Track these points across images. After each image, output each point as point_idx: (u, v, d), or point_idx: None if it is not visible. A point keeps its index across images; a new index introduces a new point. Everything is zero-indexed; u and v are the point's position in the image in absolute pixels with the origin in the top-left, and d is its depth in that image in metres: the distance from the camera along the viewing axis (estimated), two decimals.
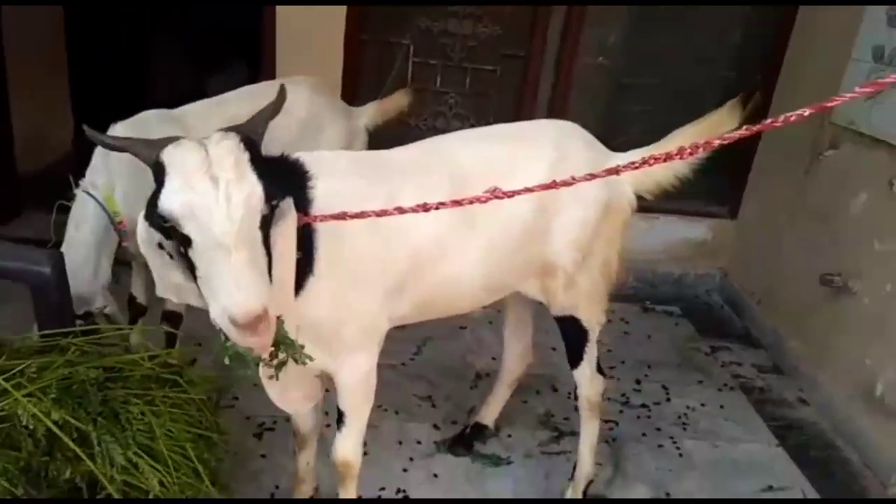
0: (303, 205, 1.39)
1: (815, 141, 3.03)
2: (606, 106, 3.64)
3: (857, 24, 2.75)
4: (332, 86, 3.27)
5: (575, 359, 2.00)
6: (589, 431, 2.10)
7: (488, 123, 3.59)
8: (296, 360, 1.28)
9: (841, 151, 2.89)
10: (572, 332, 1.95)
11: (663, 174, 1.87)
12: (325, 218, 1.35)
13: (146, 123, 2.16)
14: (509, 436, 2.48)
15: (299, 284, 1.39)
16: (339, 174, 1.50)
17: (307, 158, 1.49)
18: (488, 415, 2.38)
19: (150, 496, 1.51)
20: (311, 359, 1.31)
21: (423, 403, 2.65)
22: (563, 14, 3.38)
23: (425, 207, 1.30)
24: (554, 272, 1.81)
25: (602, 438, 2.47)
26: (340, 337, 1.54)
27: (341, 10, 3.23)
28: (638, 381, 2.91)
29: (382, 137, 2.64)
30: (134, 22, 5.10)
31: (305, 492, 1.99)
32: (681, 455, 2.48)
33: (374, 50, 3.42)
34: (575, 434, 2.42)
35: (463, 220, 1.63)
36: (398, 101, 2.66)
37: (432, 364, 2.90)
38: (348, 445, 1.71)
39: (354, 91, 3.27)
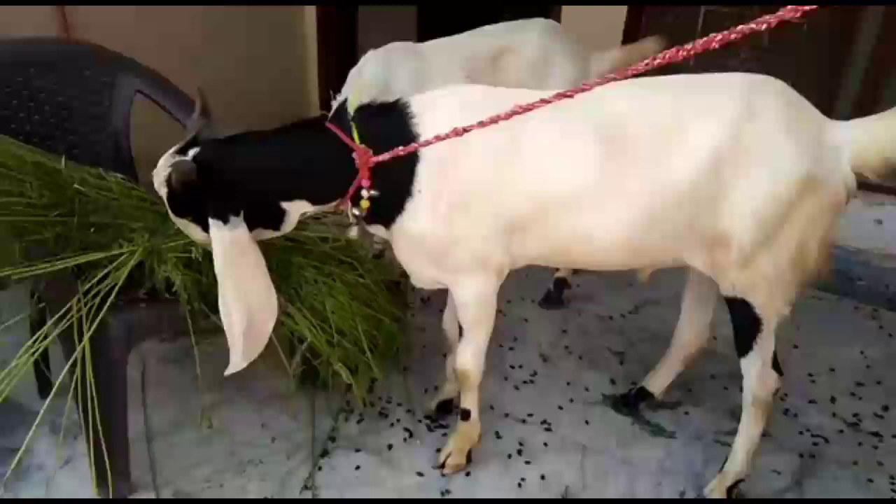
0: (408, 140, 1.53)
1: None
2: None
3: None
4: (615, 28, 3.25)
5: (743, 347, 1.77)
6: (748, 427, 1.87)
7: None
8: None
9: None
10: (742, 318, 1.72)
11: (893, 145, 1.51)
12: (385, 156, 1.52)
13: (391, 54, 2.50)
14: (686, 413, 2.31)
15: (400, 206, 1.59)
16: (457, 110, 1.53)
17: (423, 98, 1.62)
18: (654, 383, 2.25)
19: (304, 343, 1.89)
20: None
21: (612, 358, 2.61)
22: None
23: (456, 132, 1.38)
24: (726, 245, 1.59)
25: (797, 450, 2.16)
26: (449, 258, 1.66)
27: None
28: (886, 408, 2.38)
29: None
30: None
31: (450, 391, 2.20)
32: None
33: None
34: (766, 436, 2.17)
35: (613, 171, 1.56)
36: (645, 48, 2.53)
37: (642, 325, 2.81)
38: (466, 356, 1.85)
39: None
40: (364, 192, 1.59)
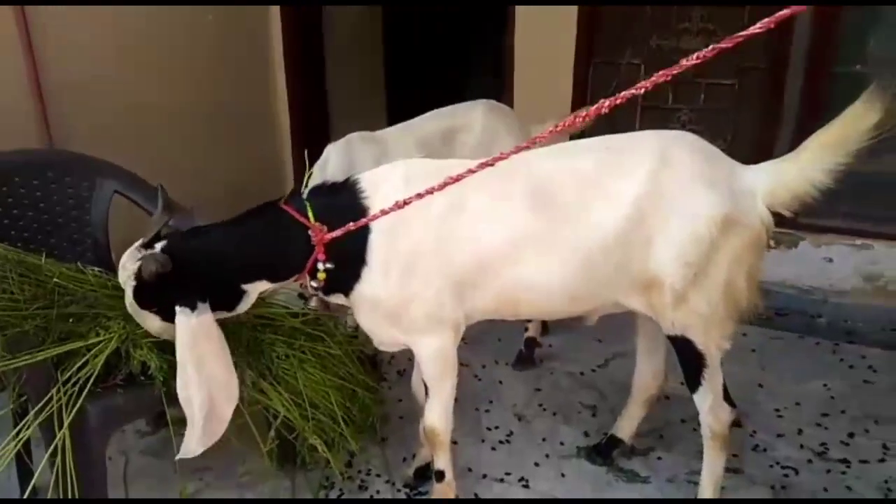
0: (359, 215, 1.67)
1: None
2: None
3: None
4: (563, 104, 3.52)
5: (693, 383, 1.87)
6: (711, 462, 1.94)
7: (724, 140, 3.41)
8: None
9: None
10: (686, 354, 1.83)
11: (796, 182, 1.68)
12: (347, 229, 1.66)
13: (351, 143, 2.70)
14: (659, 458, 2.37)
15: (356, 274, 1.71)
16: (401, 183, 1.69)
17: (370, 174, 1.78)
18: (622, 429, 2.31)
19: (278, 419, 1.97)
20: None
21: (585, 411, 2.68)
22: (810, 17, 3.04)
23: (421, 194, 1.52)
24: (660, 287, 1.73)
25: (769, 483, 2.22)
26: (406, 318, 1.78)
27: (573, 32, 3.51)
28: (851, 435, 2.46)
29: None
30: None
31: (426, 456, 2.24)
32: None
33: (606, 71, 3.56)
34: (738, 472, 2.25)
35: (544, 226, 1.71)
36: (572, 123, 2.76)
37: (612, 378, 2.89)
38: (433, 414, 1.93)
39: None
40: (320, 266, 1.71)
